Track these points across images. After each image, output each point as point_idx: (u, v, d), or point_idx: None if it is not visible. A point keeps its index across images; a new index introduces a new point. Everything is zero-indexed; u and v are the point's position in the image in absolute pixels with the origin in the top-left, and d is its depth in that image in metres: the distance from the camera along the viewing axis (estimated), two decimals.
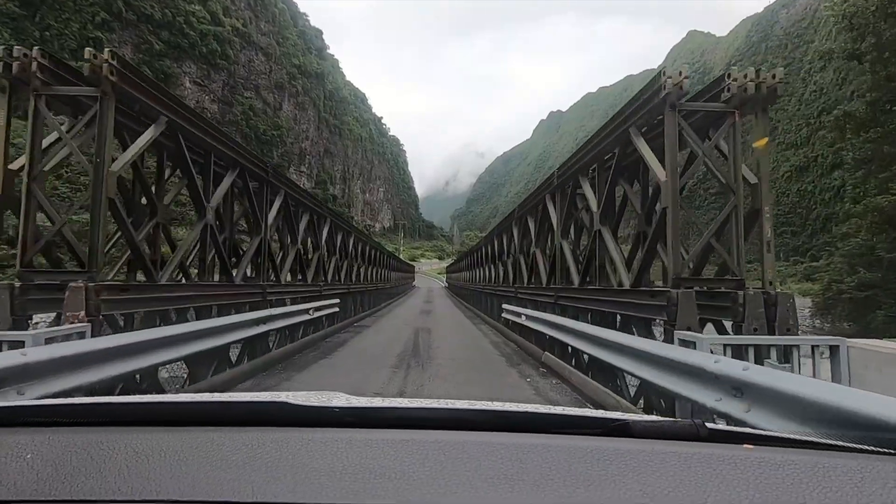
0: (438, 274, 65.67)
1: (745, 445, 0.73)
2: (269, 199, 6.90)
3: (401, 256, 46.56)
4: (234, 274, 6.10)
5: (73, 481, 0.61)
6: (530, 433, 0.74)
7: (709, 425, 0.78)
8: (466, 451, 0.67)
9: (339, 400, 0.87)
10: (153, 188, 5.38)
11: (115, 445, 0.68)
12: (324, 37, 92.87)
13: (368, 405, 0.82)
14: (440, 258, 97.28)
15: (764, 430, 0.84)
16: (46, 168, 3.81)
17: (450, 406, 0.83)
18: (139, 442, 0.68)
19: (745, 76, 3.83)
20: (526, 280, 9.04)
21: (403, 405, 0.84)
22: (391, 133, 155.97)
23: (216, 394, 1.10)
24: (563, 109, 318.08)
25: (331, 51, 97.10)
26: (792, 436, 0.82)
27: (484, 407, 0.84)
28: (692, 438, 0.74)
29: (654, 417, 0.85)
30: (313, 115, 74.98)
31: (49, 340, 2.87)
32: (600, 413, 0.91)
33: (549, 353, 6.46)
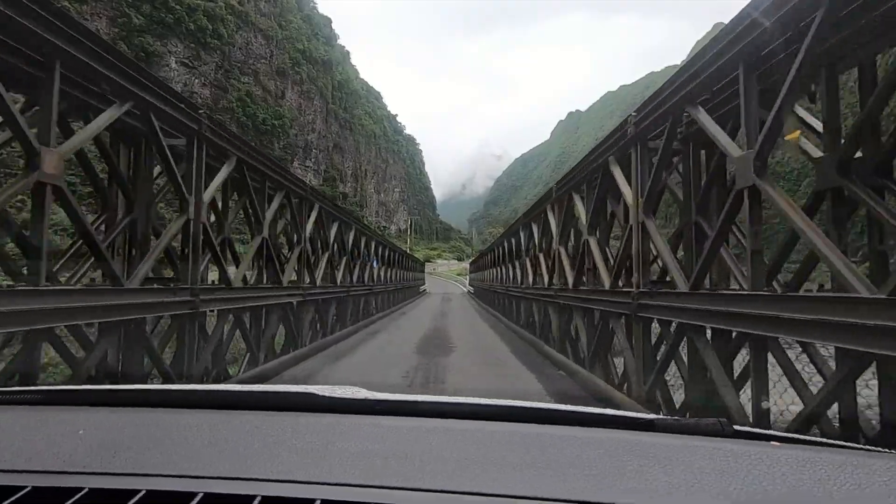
0: (458, 275, 63.14)
1: (772, 443, 0.74)
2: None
3: (410, 255, 35.82)
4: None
5: (124, 456, 0.64)
6: (559, 425, 0.75)
7: (735, 427, 0.78)
8: (495, 439, 0.69)
9: (362, 394, 0.91)
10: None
11: (163, 424, 0.73)
12: (333, 26, 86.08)
13: (394, 398, 0.86)
14: (459, 259, 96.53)
15: (790, 433, 0.85)
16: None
17: (478, 402, 0.84)
18: (183, 420, 0.73)
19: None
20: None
21: (431, 399, 0.86)
22: (406, 132, 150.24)
23: (255, 385, 1.15)
24: (583, 109, 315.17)
25: (341, 41, 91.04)
26: (820, 438, 0.83)
27: (512, 403, 0.85)
28: (717, 435, 0.75)
29: (679, 418, 0.85)
30: (320, 106, 68.80)
31: None
32: (630, 413, 0.90)
33: None
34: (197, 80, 44.32)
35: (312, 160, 64.88)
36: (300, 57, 63.62)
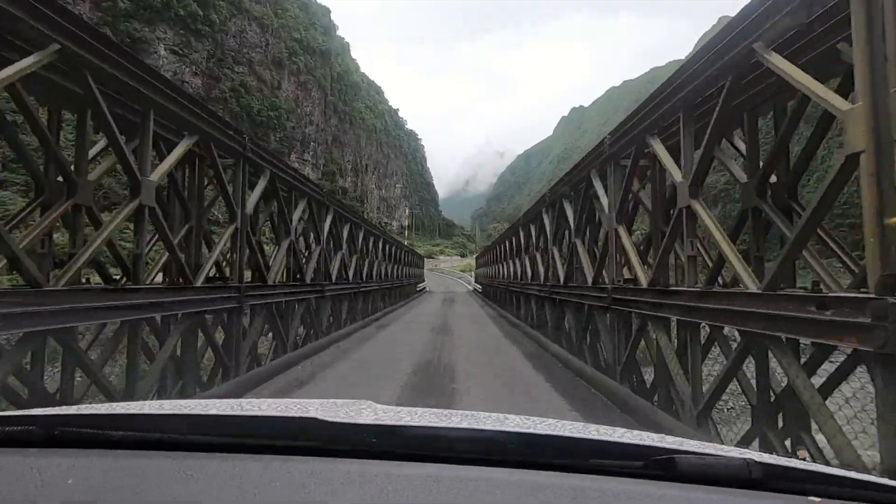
0: (461, 271, 59.58)
1: (811, 499, 0.66)
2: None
3: (408, 247, 30.38)
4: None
5: None
6: (561, 472, 0.70)
7: (763, 459, 0.71)
8: (494, 490, 0.66)
9: (367, 413, 0.91)
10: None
11: (150, 473, 0.68)
12: (331, 17, 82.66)
13: (395, 423, 0.83)
14: (462, 255, 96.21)
15: (823, 467, 0.74)
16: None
17: (477, 427, 0.82)
18: (173, 469, 0.68)
19: None
20: None
21: (428, 424, 0.85)
22: (408, 127, 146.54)
23: (251, 401, 1.11)
24: (586, 105, 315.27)
25: (340, 33, 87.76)
26: (860, 476, 0.72)
27: (512, 429, 0.82)
28: (744, 483, 0.68)
29: (702, 449, 0.75)
30: (318, 98, 65.66)
31: None
32: (641, 438, 0.82)
33: None
34: (188, 69, 41.94)
35: (311, 153, 61.90)
36: (297, 46, 60.81)
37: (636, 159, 5.11)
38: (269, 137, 50.01)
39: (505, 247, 17.27)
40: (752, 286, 3.09)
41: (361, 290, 12.84)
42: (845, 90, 3.23)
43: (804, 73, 2.79)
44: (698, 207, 3.81)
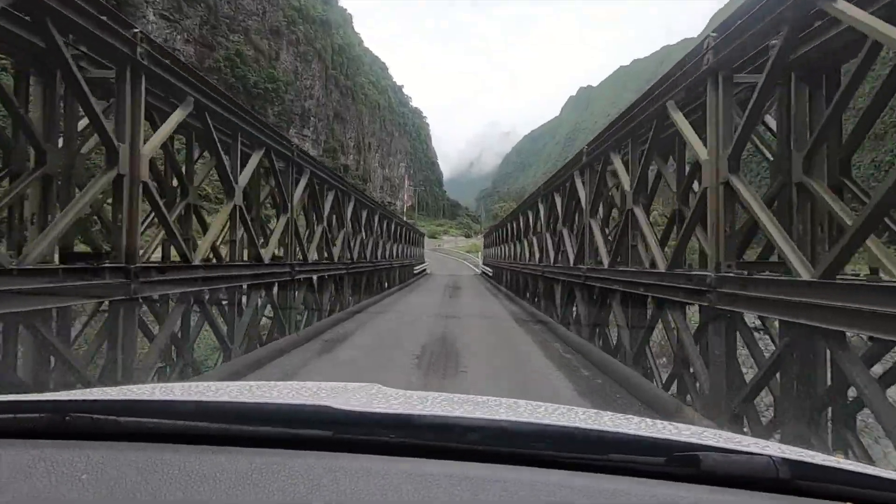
0: (467, 252, 53.48)
1: None
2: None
3: (406, 222, 25.15)
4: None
5: None
6: (584, 471, 0.66)
7: (786, 454, 0.65)
8: (506, 489, 0.62)
9: (379, 400, 0.90)
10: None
11: (164, 467, 0.64)
12: None
13: (407, 411, 0.80)
14: (466, 236, 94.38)
15: (859, 465, 0.66)
16: None
17: (490, 418, 0.79)
18: (189, 465, 0.65)
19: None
20: None
21: (441, 413, 0.82)
22: (413, 104, 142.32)
23: (262, 384, 1.09)
24: (594, 85, 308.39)
25: (342, 4, 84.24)
26: (884, 474, 0.64)
27: (526, 419, 0.79)
28: (771, 484, 0.62)
29: (723, 443, 0.70)
30: (319, 71, 62.36)
31: None
32: (658, 429, 0.78)
33: None
34: (179, 36, 39.64)
35: (311, 129, 58.68)
36: (296, 15, 57.67)
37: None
38: (267, 111, 47.81)
39: (519, 223, 13.86)
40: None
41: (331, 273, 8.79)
42: None
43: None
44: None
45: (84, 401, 0.86)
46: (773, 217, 3.05)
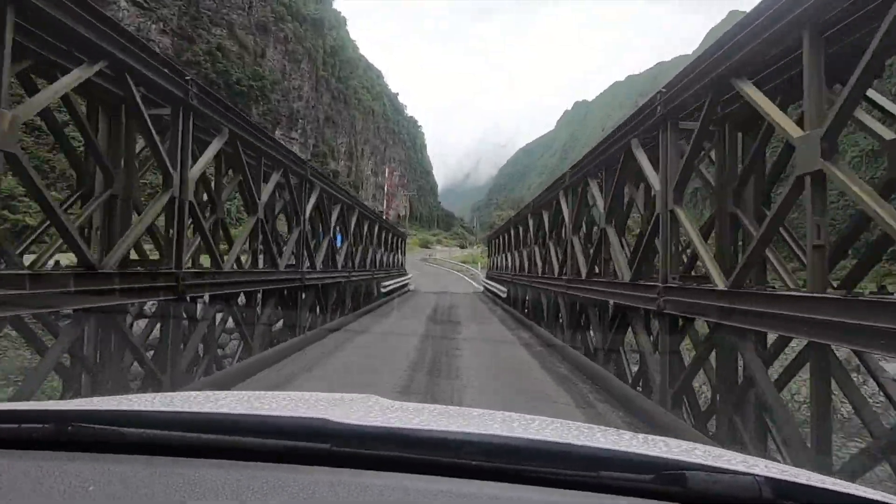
0: (463, 262, 47.71)
1: None
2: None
3: (376, 219, 15.50)
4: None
5: None
6: (569, 489, 0.69)
7: (772, 473, 0.68)
8: None
9: (375, 412, 0.92)
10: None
11: (167, 480, 0.66)
12: None
13: (404, 425, 0.84)
14: (461, 247, 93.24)
15: (842, 483, 0.72)
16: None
17: (484, 432, 0.81)
18: (191, 481, 0.66)
19: None
20: None
21: (437, 428, 0.85)
22: (408, 113, 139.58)
23: (261, 394, 1.10)
24: (589, 99, 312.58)
25: (338, 7, 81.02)
26: (869, 495, 0.67)
27: (520, 435, 0.81)
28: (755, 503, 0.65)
29: (712, 461, 0.74)
30: (309, 71, 60.32)
31: None
32: (648, 445, 0.83)
33: None
34: (154, 26, 36.78)
35: (299, 131, 56.12)
36: (285, 12, 55.10)
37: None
38: (252, 110, 44.42)
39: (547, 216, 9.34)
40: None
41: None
42: None
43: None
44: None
45: (87, 410, 0.88)
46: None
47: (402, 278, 19.68)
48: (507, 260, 14.81)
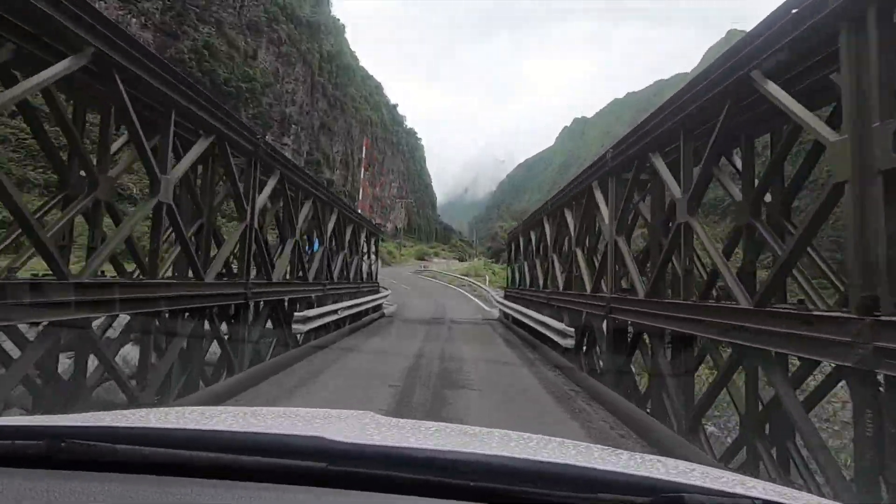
0: (464, 275, 39.35)
1: None
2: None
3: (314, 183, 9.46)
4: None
5: None
6: None
7: (768, 496, 0.70)
8: None
9: (371, 429, 0.94)
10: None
11: (163, 499, 0.67)
12: None
13: (400, 444, 0.85)
14: (460, 259, 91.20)
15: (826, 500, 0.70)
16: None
17: (482, 452, 0.82)
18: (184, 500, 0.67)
19: None
20: None
21: (433, 447, 0.86)
22: (407, 125, 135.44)
23: (257, 410, 1.13)
24: (589, 116, 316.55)
25: (336, 14, 77.05)
26: None
27: (519, 455, 0.82)
28: None
29: (709, 482, 0.75)
30: (303, 75, 57.49)
31: None
32: (648, 468, 0.83)
33: None
34: (135, 20, 34.86)
35: (291, 137, 52.96)
36: (279, 12, 52.57)
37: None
38: (241, 112, 40.48)
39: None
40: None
41: None
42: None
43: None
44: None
45: (80, 427, 0.88)
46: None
47: (374, 300, 13.94)
48: (546, 269, 9.72)
